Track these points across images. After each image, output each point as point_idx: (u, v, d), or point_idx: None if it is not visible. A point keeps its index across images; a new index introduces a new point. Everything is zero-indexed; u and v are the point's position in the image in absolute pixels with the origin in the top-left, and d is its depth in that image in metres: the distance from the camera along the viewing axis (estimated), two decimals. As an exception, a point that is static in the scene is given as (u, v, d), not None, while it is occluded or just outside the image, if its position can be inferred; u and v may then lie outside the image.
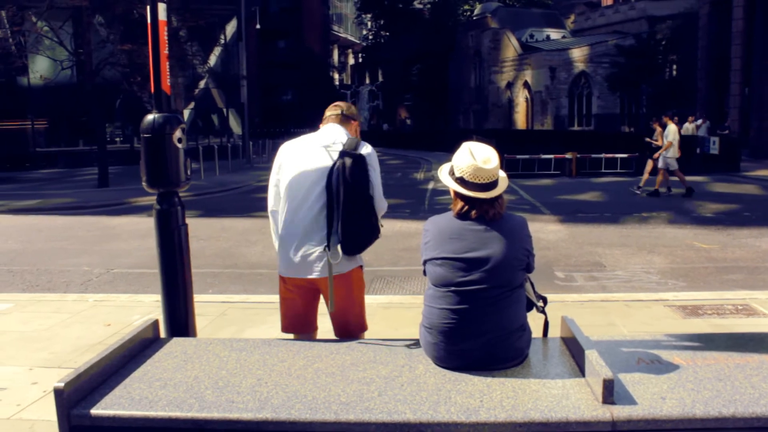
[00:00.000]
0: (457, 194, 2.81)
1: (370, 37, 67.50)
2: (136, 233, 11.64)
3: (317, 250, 3.23)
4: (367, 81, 74.60)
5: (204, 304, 6.38)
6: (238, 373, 2.79)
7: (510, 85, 45.96)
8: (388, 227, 12.33)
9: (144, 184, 3.54)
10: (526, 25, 48.62)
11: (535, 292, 2.99)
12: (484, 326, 2.65)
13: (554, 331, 3.16)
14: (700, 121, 24.41)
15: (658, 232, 10.28)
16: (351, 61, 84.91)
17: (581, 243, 9.49)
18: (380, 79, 67.65)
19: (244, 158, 30.08)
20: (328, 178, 3.20)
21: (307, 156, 3.33)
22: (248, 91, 33.51)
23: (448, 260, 2.71)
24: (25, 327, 5.89)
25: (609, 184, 18.26)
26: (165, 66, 3.33)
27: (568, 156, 22.07)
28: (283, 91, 64.21)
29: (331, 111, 3.57)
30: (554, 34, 48.79)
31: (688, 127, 24.08)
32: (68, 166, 28.92)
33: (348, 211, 3.14)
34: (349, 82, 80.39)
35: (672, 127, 14.74)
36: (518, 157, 21.94)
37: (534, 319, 3.18)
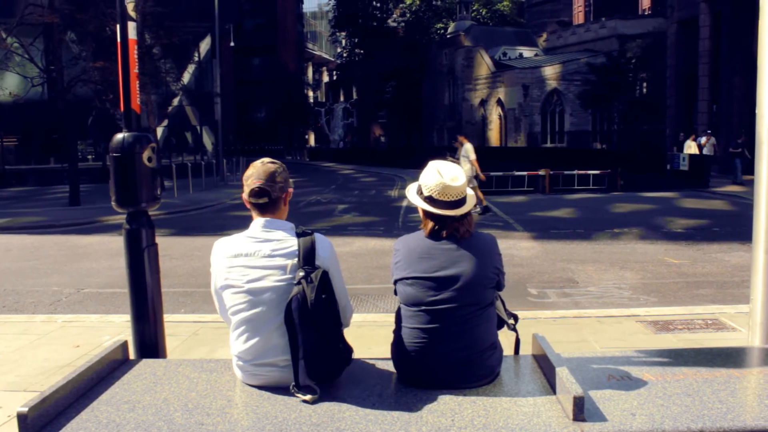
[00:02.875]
0: (426, 213, 2.81)
1: (345, 54, 67.82)
2: (107, 252, 11.49)
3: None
4: (342, 98, 74.80)
5: (176, 324, 6.31)
6: (208, 394, 2.75)
7: (483, 103, 46.40)
8: (362, 245, 12.40)
9: (113, 203, 3.50)
10: (499, 43, 49.20)
11: (506, 309, 3.00)
12: (455, 345, 2.65)
13: (526, 348, 3.16)
14: (704, 139, 24.69)
15: (630, 248, 10.40)
16: (326, 78, 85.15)
17: (554, 259, 9.56)
18: (355, 96, 67.90)
19: (218, 176, 29.94)
20: (287, 312, 2.63)
21: (253, 275, 2.73)
22: (222, 108, 33.42)
23: (419, 279, 2.71)
24: (-8, 349, 5.77)
25: (582, 201, 18.46)
26: (135, 85, 3.31)
27: (541, 173, 22.32)
28: (257, 108, 64.26)
29: (254, 195, 2.81)
30: (527, 52, 49.41)
31: (691, 144, 24.35)
32: (39, 184, 28.56)
33: (314, 343, 2.61)
34: (324, 100, 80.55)
35: (468, 146, 15.08)
36: (492, 174, 22.09)
37: (506, 337, 3.20)
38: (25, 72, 22.36)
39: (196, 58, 37.79)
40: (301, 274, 2.64)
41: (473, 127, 47.53)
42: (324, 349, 2.63)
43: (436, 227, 2.78)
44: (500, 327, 2.94)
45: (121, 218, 13.38)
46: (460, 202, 2.78)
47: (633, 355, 3.09)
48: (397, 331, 2.80)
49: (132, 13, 3.33)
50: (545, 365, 2.79)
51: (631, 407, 2.46)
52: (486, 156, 33.38)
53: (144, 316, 3.43)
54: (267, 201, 2.81)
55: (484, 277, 2.72)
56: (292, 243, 2.75)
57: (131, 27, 3.26)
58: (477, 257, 2.72)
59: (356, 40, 62.50)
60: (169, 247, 11.30)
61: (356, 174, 35.28)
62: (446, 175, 2.78)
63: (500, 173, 22.41)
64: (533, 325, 5.80)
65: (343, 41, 67.84)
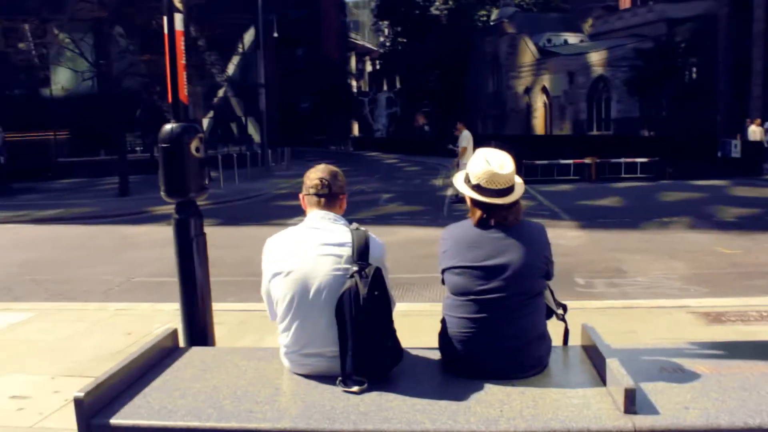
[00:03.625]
0: (474, 202, 2.79)
1: (388, 44, 67.66)
2: (156, 242, 11.71)
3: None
4: (385, 88, 74.70)
5: (224, 312, 6.40)
6: (257, 382, 2.79)
7: (528, 90, 45.85)
8: (407, 234, 12.36)
9: (162, 193, 3.56)
10: (544, 29, 48.47)
11: (555, 299, 2.97)
12: (503, 335, 2.63)
13: (575, 339, 3.12)
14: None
15: (679, 237, 10.18)
16: (369, 68, 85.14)
17: (601, 249, 9.42)
18: (398, 85, 67.73)
19: (263, 166, 30.23)
20: (338, 305, 2.63)
21: (306, 262, 2.74)
22: (267, 99, 33.72)
23: (467, 269, 2.69)
24: (47, 336, 5.94)
25: (629, 189, 18.12)
26: (182, 76, 3.35)
27: (587, 161, 21.95)
28: (301, 98, 64.58)
29: (315, 188, 2.90)
30: (572, 38, 48.58)
31: (756, 130, 23.65)
32: (90, 175, 29.20)
33: (363, 340, 2.61)
34: (367, 89, 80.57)
35: (465, 134, 14.85)
36: (537, 162, 21.85)
37: (554, 327, 3.16)
38: (75, 67, 22.90)
39: (241, 50, 38.12)
40: (355, 268, 2.65)
41: (518, 115, 47.02)
42: (373, 347, 2.62)
43: (484, 216, 2.76)
44: (549, 317, 2.90)
45: (168, 209, 13.59)
46: (509, 190, 2.75)
47: (685, 346, 3.03)
48: (445, 321, 2.78)
49: (178, 5, 3.37)
50: (595, 356, 2.75)
51: (684, 400, 2.40)
52: (531, 144, 33.05)
53: (193, 304, 3.48)
54: (327, 193, 2.88)
55: (532, 267, 2.69)
56: (347, 237, 2.77)
57: (178, 18, 3.30)
58: (526, 246, 2.69)
59: (399, 29, 62.27)
60: (216, 237, 11.39)
61: (400, 163, 35.21)
62: (494, 163, 2.75)
63: (545, 162, 22.10)
64: (581, 315, 5.70)
65: (386, 30, 67.68)
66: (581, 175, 21.86)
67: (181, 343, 3.54)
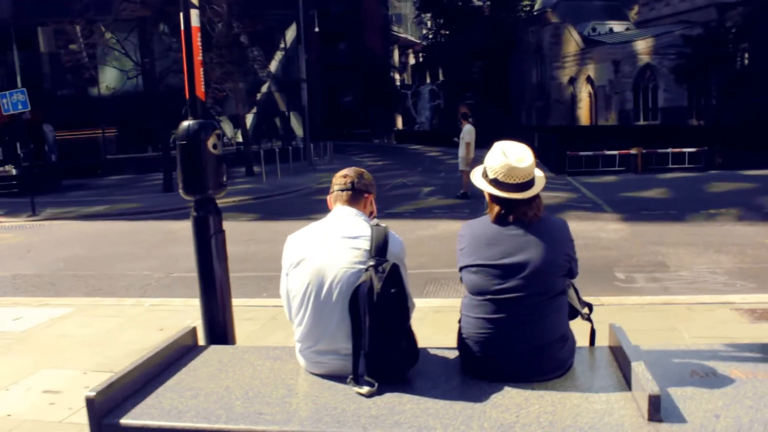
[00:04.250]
0: (492, 197, 2.68)
1: (430, 36, 67.19)
2: (196, 237, 11.81)
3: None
4: (428, 80, 74.27)
5: (256, 308, 6.41)
6: (270, 382, 2.73)
7: (572, 81, 45.03)
8: (447, 228, 12.22)
9: (180, 191, 3.53)
10: (588, 18, 47.51)
11: (579, 298, 2.83)
12: (522, 336, 2.51)
13: (603, 340, 2.97)
14: None
15: (727, 230, 9.82)
16: (411, 60, 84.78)
17: (644, 242, 9.14)
18: (441, 78, 67.27)
19: (305, 160, 30.37)
20: (352, 299, 2.57)
21: (322, 253, 2.70)
22: (309, 94, 33.80)
23: (484, 267, 2.58)
24: (84, 331, 6.03)
25: (676, 180, 17.62)
26: (199, 72, 3.31)
27: (633, 151, 21.46)
28: (344, 92, 64.74)
29: (339, 184, 2.90)
30: (617, 26, 47.50)
31: None
32: (137, 172, 29.79)
33: (377, 338, 2.53)
34: (410, 82, 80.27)
35: (467, 128, 14.49)
36: (581, 153, 21.47)
37: (582, 327, 3.02)
38: (121, 66, 23.33)
39: (283, 45, 38.34)
40: (372, 263, 2.58)
41: (562, 106, 46.27)
42: (387, 346, 2.53)
43: (503, 211, 2.64)
44: (573, 317, 2.77)
45: (210, 204, 13.66)
46: (528, 184, 2.63)
47: (721, 349, 2.85)
48: (463, 321, 2.68)
49: (194, 1, 3.33)
50: (622, 358, 2.61)
51: (715, 407, 2.25)
52: (576, 135, 32.50)
53: (212, 302, 3.45)
54: (351, 189, 2.88)
55: (553, 265, 2.56)
56: (366, 231, 2.72)
57: (194, 14, 3.26)
58: (546, 243, 2.56)
59: (441, 21, 61.76)
60: (254, 232, 11.52)
61: (443, 156, 34.97)
62: (512, 156, 2.63)
63: (590, 153, 21.69)
64: (618, 312, 5.55)
65: (428, 22, 67.20)
66: (627, 166, 21.38)
67: (201, 341, 3.51)
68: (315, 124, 38.19)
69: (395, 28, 76.90)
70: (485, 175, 2.70)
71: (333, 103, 61.00)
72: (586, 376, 2.61)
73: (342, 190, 2.89)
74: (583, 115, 44.36)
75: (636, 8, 47.71)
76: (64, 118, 29.79)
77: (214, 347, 3.24)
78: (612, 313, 5.50)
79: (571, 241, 2.68)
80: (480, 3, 59.58)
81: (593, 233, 9.92)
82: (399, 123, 73.75)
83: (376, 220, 2.81)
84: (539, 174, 2.70)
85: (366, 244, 2.66)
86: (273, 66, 37.11)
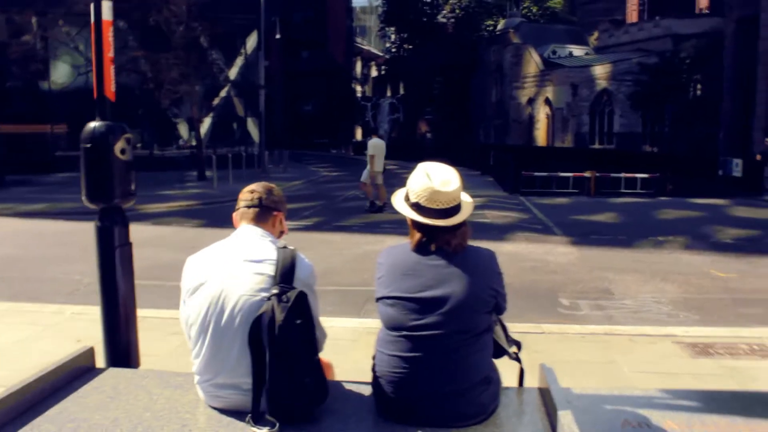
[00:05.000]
0: (414, 223, 2.45)
1: (393, 49, 67.34)
2: (136, 242, 11.23)
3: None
4: (389, 93, 74.36)
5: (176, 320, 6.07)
6: (164, 415, 2.44)
7: (531, 101, 45.53)
8: (394, 243, 11.88)
9: (84, 198, 3.22)
10: (549, 41, 48.17)
11: (507, 336, 2.60)
12: (440, 378, 2.26)
13: (533, 379, 2.76)
14: None
15: (673, 258, 9.82)
16: (374, 73, 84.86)
17: (591, 267, 9.06)
18: (402, 91, 67.39)
19: (259, 167, 29.92)
20: (251, 331, 2.28)
21: (220, 280, 2.42)
22: (269, 101, 33.38)
23: (400, 300, 2.33)
24: (-6, 340, 5.62)
25: (627, 205, 17.75)
26: (109, 70, 3.02)
27: (587, 174, 21.58)
28: (305, 101, 64.37)
29: (246, 201, 2.64)
30: (577, 50, 48.25)
31: None
32: (84, 170, 28.91)
33: (278, 375, 2.25)
34: (371, 95, 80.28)
35: (372, 141, 15.31)
36: (536, 174, 21.54)
37: (514, 364, 2.80)
38: (73, 61, 22.67)
39: (243, 51, 37.87)
40: (275, 291, 2.31)
41: (520, 126, 46.70)
42: (290, 383, 2.26)
43: (424, 239, 2.40)
44: (500, 356, 2.55)
45: (157, 207, 13.29)
46: (453, 210, 2.40)
47: (656, 395, 2.67)
48: (377, 358, 2.42)
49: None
50: (550, 404, 2.39)
51: (645, 464, 2.06)
52: (531, 155, 32.70)
53: (115, 320, 3.15)
54: (258, 206, 2.64)
55: (477, 300, 2.31)
56: (272, 255, 2.46)
57: (106, 7, 2.98)
58: (470, 276, 2.32)
59: (405, 35, 61.95)
60: (197, 238, 11.13)
61: (399, 170, 34.68)
62: (435, 178, 2.40)
63: (544, 174, 21.75)
64: (559, 341, 5.39)
65: (392, 36, 67.34)
66: (580, 188, 21.49)
67: (102, 362, 3.21)
68: (274, 131, 37.79)
69: (359, 40, 77.04)
70: (407, 198, 2.47)
71: (294, 111, 60.55)
72: (510, 423, 2.38)
73: (248, 207, 2.64)
74: (540, 135, 44.86)
75: (596, 34, 48.61)
76: (11, 112, 28.80)
77: (112, 370, 2.93)
78: (553, 342, 5.35)
79: (498, 275, 2.44)
80: (444, 20, 59.94)
81: (541, 256, 9.81)
82: (358, 134, 73.64)
83: (282, 242, 2.55)
84: (467, 199, 2.48)
85: (271, 269, 2.40)
86: (233, 71, 36.62)
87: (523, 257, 9.67)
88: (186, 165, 30.44)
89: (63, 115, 30.66)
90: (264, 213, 2.63)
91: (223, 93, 36.70)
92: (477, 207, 12.36)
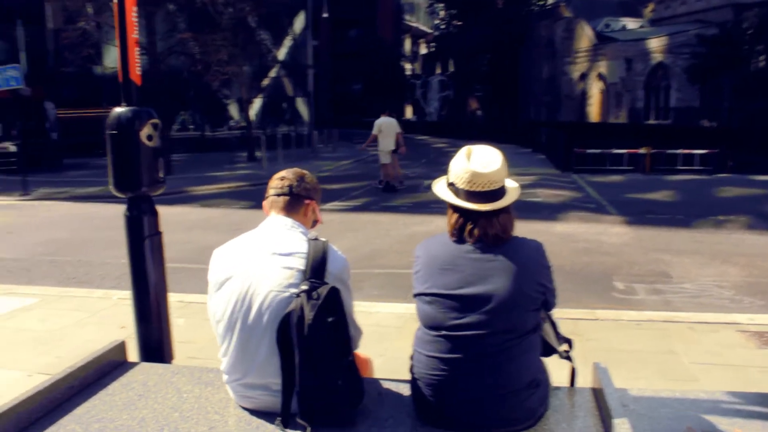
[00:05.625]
0: (450, 208, 2.26)
1: (442, 26, 66.44)
2: (184, 225, 11.45)
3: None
4: (438, 71, 73.60)
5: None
6: (193, 416, 2.33)
7: (583, 77, 44.39)
8: (442, 224, 11.70)
9: (111, 187, 3.11)
10: (602, 14, 46.79)
11: (557, 333, 2.39)
12: (482, 381, 2.08)
13: (586, 378, 2.55)
14: None
15: (736, 239, 9.35)
16: (423, 50, 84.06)
17: (647, 248, 8.69)
18: (451, 69, 66.60)
19: (309, 147, 29.97)
20: (280, 329, 2.14)
21: (249, 273, 2.27)
22: (318, 80, 33.41)
23: (438, 297, 2.14)
24: (41, 326, 5.67)
25: (685, 183, 17.10)
26: (133, 52, 2.89)
27: (642, 151, 20.91)
28: (353, 80, 64.31)
29: (275, 188, 2.48)
30: (631, 23, 46.74)
31: None
32: (140, 152, 29.48)
33: (307, 376, 2.12)
34: (420, 72, 79.61)
35: (379, 120, 15.21)
36: (588, 151, 20.95)
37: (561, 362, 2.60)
38: (124, 44, 22.99)
39: (292, 30, 37.86)
40: (305, 287, 2.15)
41: (572, 102, 45.65)
42: (320, 386, 2.11)
43: (460, 222, 2.21)
44: (549, 354, 2.35)
45: (206, 189, 13.30)
46: (493, 194, 2.19)
47: (724, 398, 2.42)
48: (415, 358, 2.25)
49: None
50: (604, 408, 2.19)
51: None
52: (584, 132, 31.90)
53: (146, 313, 3.05)
54: (288, 194, 2.46)
55: (523, 297, 2.11)
56: (302, 247, 2.29)
57: (129, -16, 2.84)
58: (515, 270, 2.11)
59: (454, 12, 61.06)
60: (244, 221, 11.08)
61: (449, 148, 34.43)
62: (475, 159, 2.20)
63: (597, 151, 21.13)
64: (614, 328, 5.14)
65: (441, 13, 66.45)
66: (635, 165, 20.82)
67: (136, 356, 3.12)
68: (321, 110, 37.83)
69: (408, 17, 76.23)
70: (447, 181, 2.29)
71: (341, 90, 60.65)
72: (560, 429, 2.18)
73: (278, 195, 2.47)
74: (593, 111, 43.75)
75: (651, 6, 46.97)
76: (68, 97, 29.45)
77: (143, 365, 2.84)
78: (607, 329, 5.10)
79: (547, 269, 2.23)
80: (495, -5, 58.84)
81: (594, 236, 9.48)
82: (408, 113, 73.24)
83: (314, 234, 2.37)
84: (512, 185, 2.27)
85: (300, 263, 2.24)
86: (281, 51, 36.67)
87: (575, 238, 9.36)
88: (236, 146, 30.77)
89: (116, 98, 31.29)
90: (295, 201, 2.46)
91: (272, 73, 36.82)
92: (528, 185, 12.09)
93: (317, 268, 2.20)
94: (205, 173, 20.50)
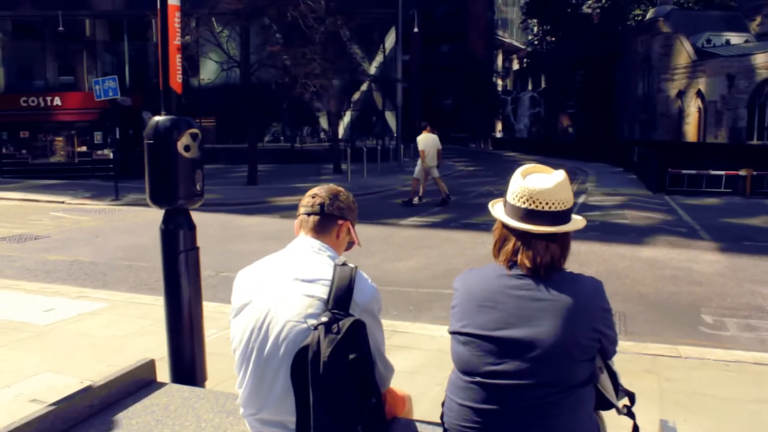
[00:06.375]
0: (504, 229, 2.00)
1: (535, 42, 65.56)
2: (261, 235, 11.52)
3: None
4: (530, 87, 72.62)
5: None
6: (205, 450, 2.15)
7: (681, 94, 42.56)
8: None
9: (147, 199, 2.99)
10: (703, 29, 44.77)
11: (617, 386, 2.02)
12: None
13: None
14: None
15: None
16: (515, 66, 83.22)
17: (742, 279, 8.02)
18: (543, 85, 65.53)
19: (395, 161, 29.99)
20: (293, 367, 1.93)
21: (268, 300, 2.07)
22: (406, 94, 33.43)
23: (475, 338, 1.87)
24: (104, 332, 5.71)
25: (789, 208, 15.94)
26: (174, 60, 2.76)
27: (742, 173, 19.70)
28: (443, 95, 64.26)
29: (306, 206, 2.28)
30: (735, 38, 44.49)
31: None
32: (229, 162, 30.31)
33: (322, 420, 1.90)
34: (512, 88, 78.79)
35: (421, 137, 15.18)
36: (684, 172, 19.94)
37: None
38: (218, 58, 23.78)
39: (383, 45, 38.17)
40: (324, 319, 1.91)
41: (668, 120, 43.84)
42: (336, 431, 1.88)
43: (510, 248, 1.94)
44: (607, 408, 2.01)
45: (287, 200, 13.41)
46: (552, 216, 1.91)
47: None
48: (446, 405, 1.98)
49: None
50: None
51: None
52: (679, 151, 30.49)
53: (179, 331, 2.91)
54: (318, 214, 2.24)
55: (575, 345, 1.81)
56: (326, 273, 2.06)
57: (173, -6, 2.71)
58: (566, 312, 1.81)
59: (548, 27, 60.13)
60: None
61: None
62: (534, 177, 1.96)
63: (693, 171, 20.08)
64: (698, 368, 4.67)
65: (535, 28, 65.61)
66: (734, 188, 19.64)
67: (166, 376, 2.98)
68: (413, 124, 37.89)
69: (500, 33, 75.73)
70: (505, 201, 2.05)
71: (432, 104, 60.58)
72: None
73: (308, 215, 2.26)
74: (690, 131, 41.86)
75: (758, 19, 44.67)
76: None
77: (170, 387, 2.69)
78: (690, 369, 4.64)
79: (606, 312, 1.91)
80: (589, 10, 57.61)
81: (684, 263, 8.86)
82: (498, 129, 72.55)
83: (342, 259, 2.12)
84: (577, 217, 1.99)
85: (323, 291, 2.00)
86: (372, 65, 37.01)
87: (662, 264, 8.77)
88: (324, 158, 31.22)
89: (210, 109, 32.43)
90: (326, 222, 2.24)
91: (363, 87, 37.23)
92: (615, 206, 11.46)
93: (341, 297, 1.96)
94: (289, 184, 20.73)
